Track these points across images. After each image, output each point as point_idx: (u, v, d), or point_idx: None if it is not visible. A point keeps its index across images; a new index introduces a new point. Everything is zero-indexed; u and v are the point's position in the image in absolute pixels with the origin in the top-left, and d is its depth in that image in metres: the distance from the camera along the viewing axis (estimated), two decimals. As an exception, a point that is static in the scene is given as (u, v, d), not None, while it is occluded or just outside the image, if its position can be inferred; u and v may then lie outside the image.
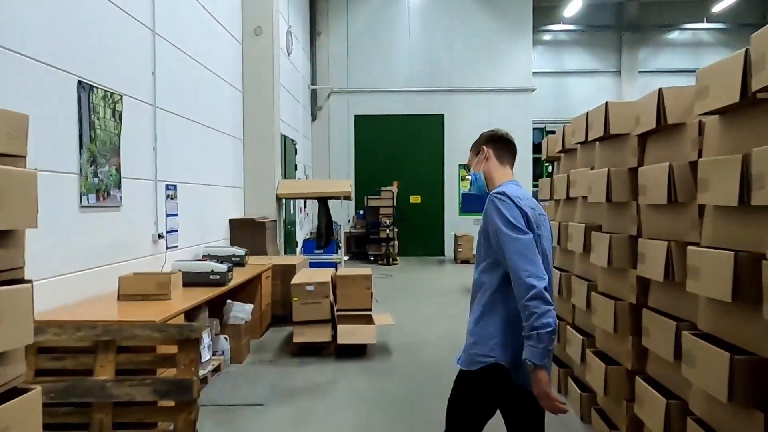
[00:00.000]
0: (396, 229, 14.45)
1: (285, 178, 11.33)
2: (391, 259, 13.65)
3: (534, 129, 15.98)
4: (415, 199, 15.61)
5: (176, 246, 5.98)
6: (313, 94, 15.42)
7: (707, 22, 17.19)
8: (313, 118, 15.48)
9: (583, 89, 17.07)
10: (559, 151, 4.77)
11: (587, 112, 3.88)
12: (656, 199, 2.79)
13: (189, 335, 3.40)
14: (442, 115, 15.62)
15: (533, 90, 15.80)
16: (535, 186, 16.99)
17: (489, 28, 15.53)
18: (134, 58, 5.12)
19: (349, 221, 15.40)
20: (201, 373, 4.54)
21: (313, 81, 15.35)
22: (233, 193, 8.28)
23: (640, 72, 17.34)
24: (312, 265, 9.85)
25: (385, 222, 13.82)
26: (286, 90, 11.78)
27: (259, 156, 8.70)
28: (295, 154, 12.98)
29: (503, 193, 2.16)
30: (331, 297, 5.80)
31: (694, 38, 17.54)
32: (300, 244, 11.57)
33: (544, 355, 1.96)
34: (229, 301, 5.49)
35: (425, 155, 15.63)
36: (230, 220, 7.90)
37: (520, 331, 2.02)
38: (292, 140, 12.55)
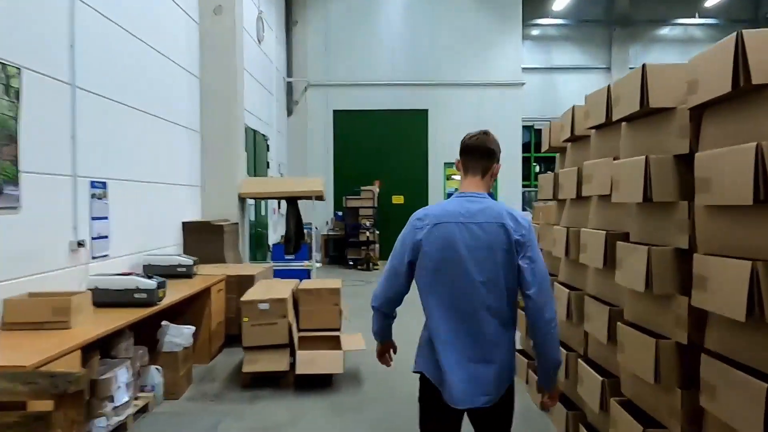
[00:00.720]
0: (377, 232, 13.53)
1: (256, 176, 10.38)
2: (371, 264, 12.72)
3: (522, 127, 15.19)
4: (397, 199, 14.72)
5: (106, 255, 4.98)
6: (289, 88, 14.46)
7: (699, 17, 16.63)
8: (289, 113, 14.52)
9: (572, 86, 16.30)
10: (567, 140, 3.87)
11: (609, 86, 2.98)
12: (732, 198, 1.89)
13: (67, 388, 2.44)
14: (427, 110, 14.78)
15: (523, 84, 15.03)
16: (525, 185, 16.30)
17: (476, 18, 14.70)
18: (40, 23, 4.13)
19: (327, 223, 14.46)
20: (117, 419, 3.57)
21: (289, 73, 14.40)
22: (189, 193, 7.29)
23: (630, 68, 16.54)
24: (279, 273, 8.88)
25: (365, 224, 12.88)
26: (255, 80, 10.82)
27: (219, 151, 7.72)
28: (267, 150, 12.03)
29: (414, 214, 2.31)
30: (291, 316, 4.86)
31: (685, 34, 16.97)
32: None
33: (376, 338, 2.52)
34: (164, 323, 4.52)
35: (408, 153, 14.77)
36: (184, 224, 6.92)
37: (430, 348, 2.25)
38: (264, 135, 11.59)
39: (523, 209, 15.27)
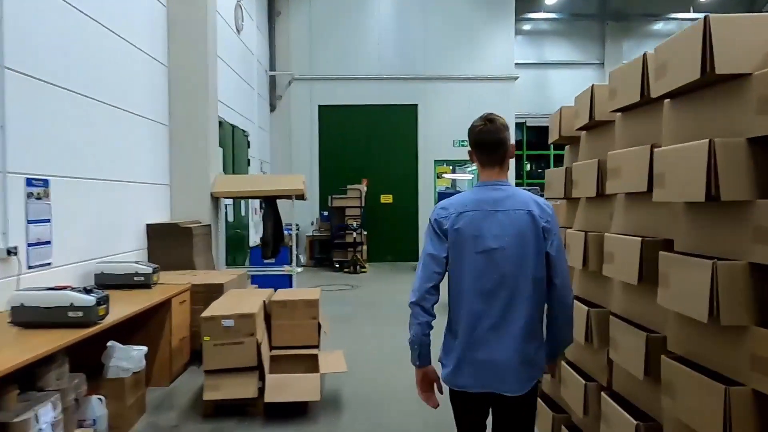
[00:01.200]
0: (364, 233, 12.91)
1: (235, 174, 9.73)
2: (358, 267, 12.09)
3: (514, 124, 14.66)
4: (386, 198, 14.12)
5: (47, 264, 4.32)
6: (272, 82, 13.79)
7: (693, 11, 16.23)
8: (272, 108, 13.85)
9: (565, 82, 15.94)
10: (582, 127, 3.26)
11: (644, 55, 2.38)
12: None
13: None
14: (416, 105, 14.20)
15: (516, 78, 14.46)
16: (518, 185, 15.77)
17: (467, 9, 14.14)
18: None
19: (312, 223, 13.82)
20: (38, 468, 2.90)
21: (272, 66, 13.73)
22: (155, 192, 6.62)
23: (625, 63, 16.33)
24: (257, 279, 8.25)
25: (352, 225, 12.24)
26: (234, 72, 10.16)
27: (190, 146, 7.05)
28: (248, 147, 11.36)
29: (438, 205, 2.28)
30: (261, 333, 4.22)
31: (680, 29, 15.74)
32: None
33: (413, 359, 2.20)
34: (110, 344, 3.86)
35: (397, 150, 14.17)
36: (148, 226, 6.25)
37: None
38: (243, 131, 10.92)
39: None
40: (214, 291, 5.20)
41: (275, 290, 5.11)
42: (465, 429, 2.25)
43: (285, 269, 7.77)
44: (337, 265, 12.51)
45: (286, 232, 8.04)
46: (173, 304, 4.73)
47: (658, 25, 16.58)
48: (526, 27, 16.35)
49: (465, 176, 16.50)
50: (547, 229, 2.11)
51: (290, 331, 4.52)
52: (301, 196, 7.60)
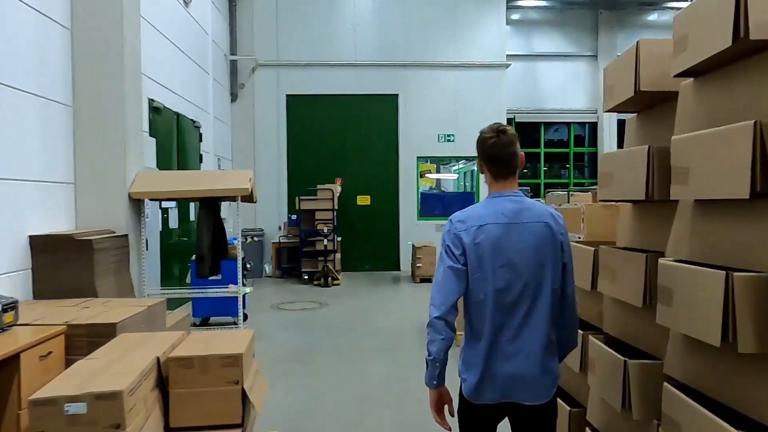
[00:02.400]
0: (338, 239, 11.37)
1: (183, 169, 8.17)
2: (330, 279, 10.51)
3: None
4: (363, 200, 12.63)
5: None
6: (233, 68, 12.22)
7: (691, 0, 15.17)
8: (234, 97, 12.28)
9: (556, 75, 15.15)
10: (687, 72, 1.75)
11: None
12: None
13: None
14: (397, 95, 12.81)
15: (507, 66, 13.07)
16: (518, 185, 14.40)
17: (453, -11, 12.71)
18: None
19: (279, 228, 12.24)
20: None
21: (233, 50, 12.13)
22: (50, 193, 5.01)
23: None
24: (198, 304, 6.75)
25: (323, 230, 10.68)
26: (178, 49, 8.57)
27: (100, 133, 5.44)
28: (200, 140, 9.78)
29: (452, 217, 2.27)
30: (142, 416, 2.65)
31: None
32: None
33: (430, 378, 2.18)
34: None
35: (375, 145, 12.73)
36: (31, 239, 4.64)
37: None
38: (193, 121, 9.33)
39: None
40: (103, 334, 3.60)
41: (188, 333, 3.54)
42: None
43: (230, 290, 6.18)
44: (306, 277, 10.94)
45: (233, 242, 6.45)
46: (24, 362, 3.13)
47: (654, 15, 15.65)
48: (515, 16, 15.18)
49: (450, 176, 15.03)
50: (564, 242, 2.18)
51: (198, 403, 2.96)
52: (248, 198, 6.04)
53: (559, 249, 2.14)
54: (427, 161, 13.08)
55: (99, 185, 5.41)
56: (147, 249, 6.68)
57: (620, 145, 15.71)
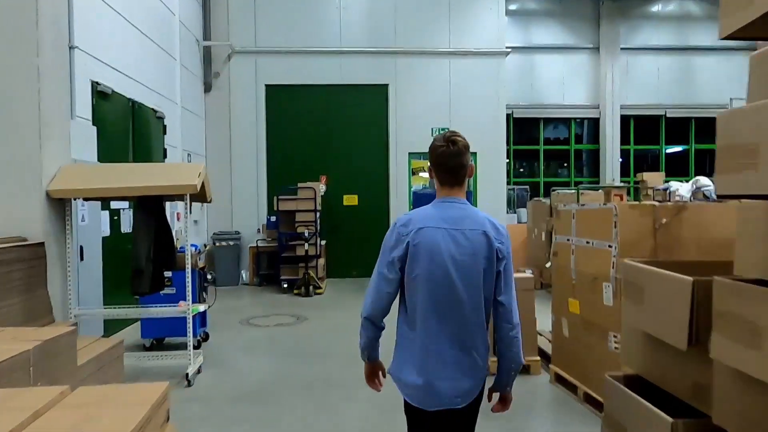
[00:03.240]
0: (322, 242, 10.31)
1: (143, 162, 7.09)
2: (311, 288, 9.44)
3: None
4: (349, 200, 11.62)
5: None
6: (207, 55, 11.17)
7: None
8: (207, 87, 11.24)
9: (555, 68, 14.42)
10: None
11: None
12: None
13: None
14: (387, 85, 11.88)
15: (506, 53, 12.09)
16: (509, 186, 13.54)
17: (447, -30, 11.75)
18: None
19: (258, 231, 11.17)
20: None
21: (206, 36, 11.07)
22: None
23: (622, 49, 14.61)
24: (147, 325, 5.77)
25: (304, 233, 9.61)
26: (139, 31, 7.57)
27: (6, 117, 4.37)
28: (164, 133, 8.70)
29: (397, 220, 2.31)
30: None
31: (681, 10, 15.02)
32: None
33: (362, 356, 2.39)
34: None
35: (364, 140, 11.81)
36: None
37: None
38: (155, 110, 8.26)
39: (513, 211, 12.42)
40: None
41: (71, 388, 2.46)
42: None
43: (181, 307, 5.10)
44: (285, 285, 9.87)
45: (182, 251, 5.37)
46: None
47: (657, 6, 14.96)
48: (513, 7, 14.37)
49: (446, 173, 14.02)
50: (500, 249, 2.20)
51: None
52: (200, 197, 4.97)
53: (494, 257, 2.18)
54: (420, 157, 12.06)
55: (3, 180, 4.34)
56: (81, 259, 5.61)
57: (624, 141, 15.29)
